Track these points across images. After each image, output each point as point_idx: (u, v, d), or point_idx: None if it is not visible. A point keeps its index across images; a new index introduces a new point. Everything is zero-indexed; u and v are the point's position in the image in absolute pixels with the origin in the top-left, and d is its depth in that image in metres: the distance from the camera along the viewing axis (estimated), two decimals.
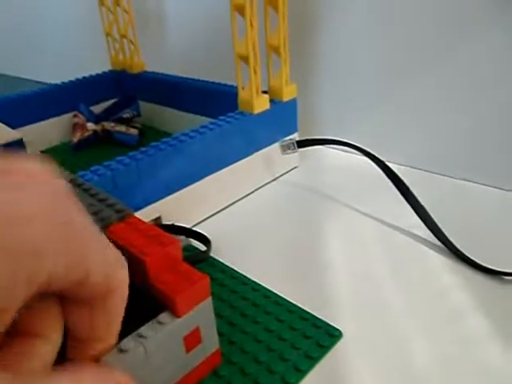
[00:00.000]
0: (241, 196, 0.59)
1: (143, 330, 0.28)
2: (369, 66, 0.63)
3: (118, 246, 0.26)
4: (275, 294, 0.41)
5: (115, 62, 0.88)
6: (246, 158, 0.58)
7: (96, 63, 0.89)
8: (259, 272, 0.44)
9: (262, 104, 0.57)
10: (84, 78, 0.85)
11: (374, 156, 0.51)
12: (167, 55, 0.95)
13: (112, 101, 0.85)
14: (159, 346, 0.29)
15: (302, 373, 0.33)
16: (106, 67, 0.89)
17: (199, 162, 0.53)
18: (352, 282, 0.43)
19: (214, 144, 0.54)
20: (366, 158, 0.52)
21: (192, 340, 0.31)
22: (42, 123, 0.80)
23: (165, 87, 0.79)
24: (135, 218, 0.35)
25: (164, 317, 0.30)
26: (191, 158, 0.52)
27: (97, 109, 0.83)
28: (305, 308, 0.39)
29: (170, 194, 0.51)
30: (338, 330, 0.36)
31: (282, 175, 0.64)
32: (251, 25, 0.53)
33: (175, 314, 0.30)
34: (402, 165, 0.62)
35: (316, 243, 0.49)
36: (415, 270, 0.43)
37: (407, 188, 0.48)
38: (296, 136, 0.63)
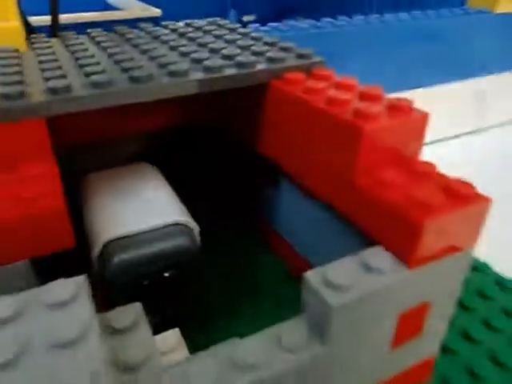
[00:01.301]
0: (430, 139, 0.41)
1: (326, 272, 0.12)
2: None
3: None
4: None
5: None
6: (449, 84, 0.39)
7: None
8: None
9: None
10: None
11: None
12: None
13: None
14: (349, 317, 0.12)
15: None
16: None
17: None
18: None
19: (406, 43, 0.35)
20: None
21: (407, 326, 0.15)
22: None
23: None
24: (331, 71, 0.19)
25: (378, 257, 0.13)
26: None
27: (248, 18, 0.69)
28: None
29: None
30: None
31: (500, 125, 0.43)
32: None
33: (405, 258, 0.13)
34: None
35: None
36: None
37: None
38: None
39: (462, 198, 0.13)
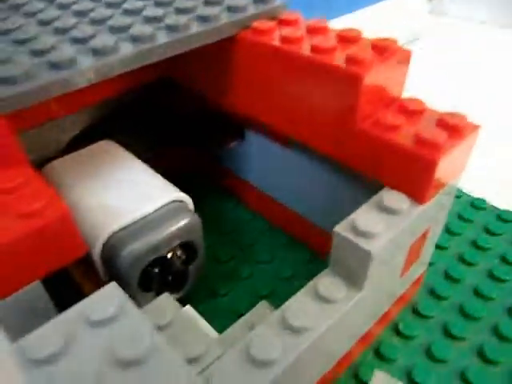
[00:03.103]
0: None
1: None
2: None
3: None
4: None
5: None
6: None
7: None
8: None
9: None
10: None
11: None
12: None
13: None
14: (381, 259, 0.13)
15: None
16: None
17: None
18: None
19: None
20: None
21: (413, 253, 0.16)
22: None
23: None
24: (297, 14, 0.18)
25: (394, 199, 0.14)
26: None
27: None
28: None
29: None
30: None
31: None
32: None
33: (418, 195, 0.14)
34: None
35: None
36: None
37: None
38: None
39: (460, 130, 0.14)
